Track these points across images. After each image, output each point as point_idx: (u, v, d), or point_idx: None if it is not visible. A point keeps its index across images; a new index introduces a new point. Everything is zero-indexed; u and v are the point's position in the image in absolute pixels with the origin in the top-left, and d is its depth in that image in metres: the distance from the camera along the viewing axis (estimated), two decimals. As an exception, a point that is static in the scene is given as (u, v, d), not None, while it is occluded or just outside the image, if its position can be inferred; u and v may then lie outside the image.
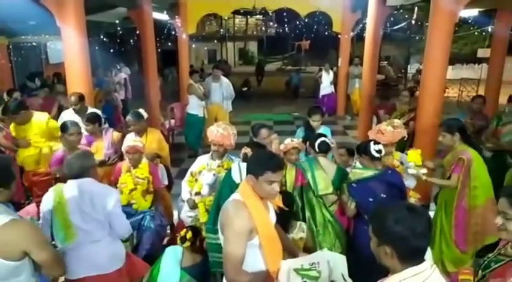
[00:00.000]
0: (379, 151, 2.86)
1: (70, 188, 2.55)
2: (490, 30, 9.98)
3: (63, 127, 3.71)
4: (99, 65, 10.08)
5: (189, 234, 2.77)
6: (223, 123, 3.47)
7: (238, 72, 22.98)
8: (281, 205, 2.26)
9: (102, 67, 9.99)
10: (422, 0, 6.69)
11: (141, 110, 4.36)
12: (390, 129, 3.31)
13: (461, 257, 3.41)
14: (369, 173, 2.85)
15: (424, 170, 3.30)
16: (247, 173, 2.08)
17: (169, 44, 14.47)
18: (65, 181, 2.62)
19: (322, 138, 3.21)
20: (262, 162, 2.03)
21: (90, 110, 4.68)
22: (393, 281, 1.38)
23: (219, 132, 3.31)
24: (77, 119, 4.56)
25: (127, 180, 3.59)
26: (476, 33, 18.49)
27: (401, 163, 3.46)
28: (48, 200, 2.56)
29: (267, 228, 2.06)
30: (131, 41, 13.97)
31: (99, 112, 4.64)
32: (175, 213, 4.39)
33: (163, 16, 10.06)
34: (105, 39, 12.73)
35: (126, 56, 14.73)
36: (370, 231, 1.46)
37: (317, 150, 3.18)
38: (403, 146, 5.02)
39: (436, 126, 4.81)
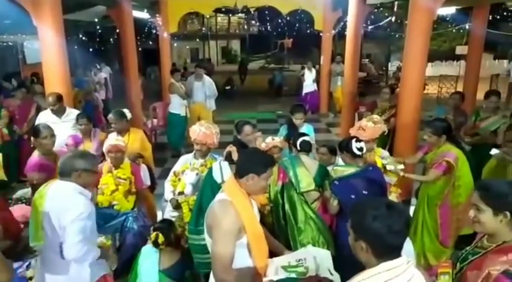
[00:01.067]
0: (360, 149, 2.90)
1: (52, 188, 2.38)
2: (467, 27, 10.19)
3: (35, 131, 3.59)
4: (79, 65, 9.90)
5: (161, 238, 2.72)
6: (205, 122, 3.46)
7: (221, 70, 22.90)
8: (265, 202, 2.28)
9: (82, 67, 9.80)
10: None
11: (126, 110, 4.31)
12: (371, 125, 3.36)
13: (443, 250, 3.49)
14: (350, 170, 2.89)
15: (402, 166, 3.36)
16: (245, 173, 2.06)
17: (151, 42, 14.31)
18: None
19: (304, 137, 3.22)
20: (263, 160, 2.11)
21: (69, 110, 4.58)
22: (367, 275, 1.40)
23: (202, 131, 3.30)
24: (54, 119, 4.48)
25: (108, 181, 3.53)
26: (454, 30, 18.95)
27: (383, 158, 3.51)
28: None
29: (254, 227, 2.08)
30: (111, 39, 13.76)
31: (77, 113, 4.54)
32: (158, 214, 4.35)
33: (143, 14, 9.94)
34: (84, 38, 12.51)
35: (106, 55, 14.54)
36: (349, 226, 1.49)
37: (299, 148, 3.20)
38: (384, 142, 5.11)
39: (416, 123, 4.92)
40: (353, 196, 2.76)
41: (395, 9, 14.66)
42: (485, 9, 8.17)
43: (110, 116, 4.21)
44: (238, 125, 3.86)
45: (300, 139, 3.21)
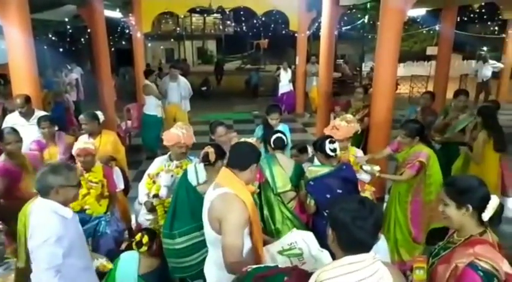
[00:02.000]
0: (334, 150, 2.95)
1: (34, 206, 2.20)
2: (437, 29, 10.51)
3: (0, 136, 3.43)
4: (48, 65, 9.59)
5: (145, 239, 2.68)
6: (182, 124, 3.45)
7: (197, 71, 22.73)
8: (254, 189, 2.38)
9: (52, 67, 9.51)
10: (373, 0, 6.96)
11: (99, 113, 4.20)
12: (344, 125, 3.41)
13: (415, 246, 3.58)
14: (324, 170, 2.93)
15: (378, 168, 3.43)
16: (248, 164, 2.15)
17: (124, 42, 14.05)
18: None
19: (277, 135, 3.23)
20: (256, 151, 2.27)
21: (38, 112, 4.43)
22: (330, 266, 1.44)
23: (185, 134, 3.30)
24: (22, 122, 4.31)
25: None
26: (425, 32, 19.52)
27: (358, 158, 3.56)
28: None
29: (256, 216, 2.22)
30: (82, 39, 13.42)
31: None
32: (132, 217, 4.27)
33: (116, 14, 9.73)
34: (54, 38, 12.14)
35: (77, 55, 14.15)
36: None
37: (272, 146, 3.20)
38: (358, 141, 5.20)
39: (389, 122, 5.03)
40: (328, 195, 2.79)
41: (368, 10, 14.95)
42: (454, 11, 8.46)
43: (81, 117, 4.10)
44: (212, 126, 3.86)
45: (274, 136, 3.22)
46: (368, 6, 13.75)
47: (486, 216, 1.69)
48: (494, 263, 1.60)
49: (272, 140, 3.21)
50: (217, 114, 10.93)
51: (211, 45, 33.25)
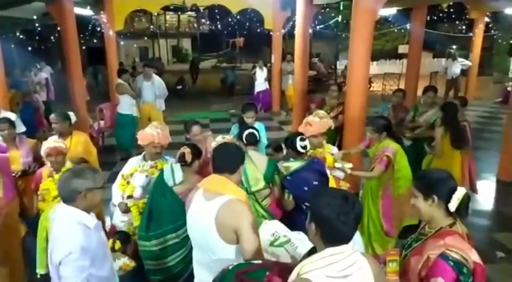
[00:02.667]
0: (304, 147, 3.02)
1: (56, 213, 2.08)
2: (408, 27, 10.78)
3: None
4: (16, 65, 9.25)
5: (118, 245, 2.63)
6: (157, 124, 3.41)
7: (172, 70, 22.45)
8: None
9: (20, 67, 9.18)
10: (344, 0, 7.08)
11: (71, 113, 4.09)
12: (317, 120, 3.45)
13: (388, 240, 3.67)
14: (298, 164, 2.98)
15: (350, 165, 3.50)
16: (237, 167, 2.12)
17: (96, 41, 13.71)
18: None
19: (249, 130, 3.23)
20: (241, 151, 2.24)
21: (4, 113, 4.26)
22: (312, 259, 1.48)
23: (160, 133, 3.26)
24: None
25: (49, 186, 3.29)
26: (396, 30, 19.99)
27: (332, 154, 3.61)
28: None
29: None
30: (52, 38, 13.01)
31: (13, 116, 4.22)
32: (107, 220, 4.18)
33: (86, 11, 9.49)
34: (22, 36, 11.71)
35: (47, 54, 13.70)
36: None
37: (245, 142, 3.20)
38: (333, 138, 5.27)
39: (363, 119, 5.13)
40: (306, 188, 2.84)
41: (341, 10, 15.16)
42: (423, 10, 8.69)
43: (52, 116, 3.97)
44: (187, 125, 3.85)
45: (246, 132, 3.21)
46: (341, 5, 13.95)
47: (452, 206, 1.75)
48: (464, 253, 1.66)
49: (244, 135, 3.19)
50: (193, 113, 10.84)
51: (187, 44, 32.92)
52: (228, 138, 3.46)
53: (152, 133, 3.25)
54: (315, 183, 2.88)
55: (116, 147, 7.40)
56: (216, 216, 2.00)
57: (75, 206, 2.02)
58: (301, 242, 2.20)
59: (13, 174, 3.69)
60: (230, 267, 1.69)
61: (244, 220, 1.97)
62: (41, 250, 2.18)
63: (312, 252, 1.84)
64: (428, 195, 1.78)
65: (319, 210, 1.47)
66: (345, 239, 1.48)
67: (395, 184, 3.64)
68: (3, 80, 4.73)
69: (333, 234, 1.46)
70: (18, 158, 3.83)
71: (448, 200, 1.75)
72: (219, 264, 1.98)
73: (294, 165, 2.99)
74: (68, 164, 3.44)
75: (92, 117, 7.95)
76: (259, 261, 1.77)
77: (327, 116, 3.56)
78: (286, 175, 2.97)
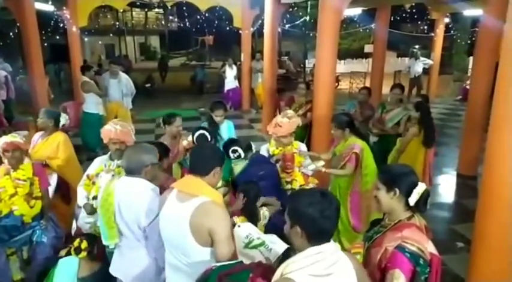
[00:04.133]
0: (234, 151, 3.35)
1: (120, 186, 2.34)
2: (373, 27, 11.07)
3: None
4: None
5: (84, 244, 2.56)
6: (119, 120, 3.34)
7: (140, 68, 21.99)
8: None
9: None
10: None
11: (63, 115, 4.02)
12: (286, 121, 3.48)
13: (356, 235, 3.77)
14: (243, 162, 3.31)
15: (322, 163, 3.57)
16: (210, 168, 2.06)
17: (58, 37, 13.21)
18: None
19: (200, 132, 3.25)
20: (218, 154, 2.21)
21: None
22: (298, 257, 1.50)
23: (118, 129, 3.16)
24: None
25: (6, 184, 3.16)
26: (362, 30, 20.49)
27: (300, 152, 3.66)
28: (99, 194, 2.42)
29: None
30: (11, 34, 12.41)
31: None
32: (73, 222, 4.06)
33: (48, 7, 9.12)
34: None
35: (6, 51, 13.04)
36: (286, 214, 1.58)
37: (196, 143, 3.20)
38: (302, 136, 5.35)
39: (330, 117, 5.23)
40: (254, 179, 2.95)
41: (309, 9, 15.36)
42: (387, 11, 8.97)
43: (41, 110, 4.05)
44: (169, 117, 3.92)
45: (196, 133, 3.27)
46: (309, 5, 14.13)
47: (412, 201, 1.82)
48: (420, 245, 1.74)
49: (195, 137, 3.21)
50: (162, 111, 10.65)
51: (155, 41, 32.33)
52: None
53: (110, 129, 3.17)
54: (261, 173, 3.04)
55: (81, 147, 7.14)
56: (190, 218, 1.97)
57: (141, 178, 2.32)
58: (274, 244, 2.22)
59: None
60: (214, 268, 1.69)
61: (220, 223, 1.95)
62: (110, 224, 2.34)
63: (286, 254, 1.88)
64: (390, 188, 1.85)
65: (303, 210, 1.49)
66: (329, 235, 1.52)
67: (363, 180, 3.73)
68: None
69: (318, 232, 1.49)
70: None
71: (408, 194, 1.83)
72: (192, 267, 1.98)
73: (241, 164, 3.22)
74: (27, 161, 3.30)
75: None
76: (243, 263, 1.78)
77: (295, 115, 3.59)
78: (237, 176, 3.14)
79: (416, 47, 23.45)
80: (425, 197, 1.84)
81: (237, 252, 2.15)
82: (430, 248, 1.77)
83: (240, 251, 2.20)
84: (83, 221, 3.20)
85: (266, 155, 3.67)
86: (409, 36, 20.51)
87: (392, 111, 4.96)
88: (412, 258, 1.70)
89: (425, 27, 20.04)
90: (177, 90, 15.68)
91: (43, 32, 7.82)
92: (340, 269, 1.49)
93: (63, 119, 4.02)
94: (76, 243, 2.57)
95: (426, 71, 12.38)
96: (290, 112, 3.64)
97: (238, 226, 2.41)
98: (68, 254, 3.26)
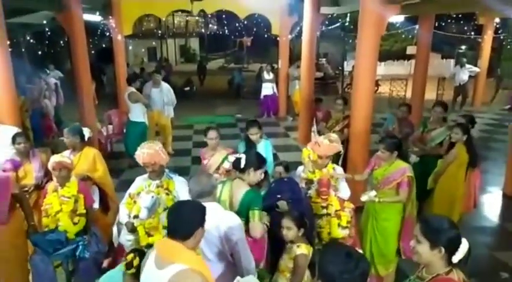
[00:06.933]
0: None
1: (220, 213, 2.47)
2: (417, 27, 10.66)
3: None
4: (24, 71, 9.32)
5: (137, 261, 2.63)
6: (145, 143, 3.40)
7: (179, 70, 22.56)
8: None
9: (29, 72, 9.25)
10: (352, 11, 7.05)
11: (85, 129, 4.17)
12: (326, 142, 3.45)
13: (390, 260, 3.66)
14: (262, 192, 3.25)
15: (374, 193, 3.51)
16: (188, 234, 1.93)
17: (104, 45, 13.80)
18: None
19: (235, 156, 3.18)
20: (199, 210, 2.05)
21: (2, 127, 4.25)
22: None
23: (145, 153, 3.24)
24: None
25: (52, 200, 3.36)
26: (405, 31, 19.82)
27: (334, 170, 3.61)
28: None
29: None
30: (61, 41, 13.12)
31: (15, 130, 4.21)
32: (114, 230, 4.24)
33: (95, 17, 9.58)
34: (32, 41, 11.83)
35: (56, 57, 13.81)
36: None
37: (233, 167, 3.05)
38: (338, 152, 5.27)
39: (367, 132, 5.14)
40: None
41: (348, 15, 15.04)
42: (431, 16, 8.61)
43: (64, 130, 4.09)
44: (206, 129, 4.11)
45: (232, 157, 3.10)
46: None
47: (456, 259, 1.76)
48: None
49: (233, 161, 3.01)
50: (199, 117, 10.91)
51: (194, 43, 33.02)
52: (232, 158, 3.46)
53: (139, 154, 3.26)
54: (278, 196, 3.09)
55: (124, 154, 7.46)
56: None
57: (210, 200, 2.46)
58: None
59: (26, 189, 3.77)
60: None
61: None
62: None
63: None
64: (435, 246, 1.77)
65: (323, 266, 1.52)
66: None
67: (412, 204, 3.62)
68: (14, 90, 4.70)
69: None
70: (32, 172, 3.89)
71: (453, 251, 1.76)
72: None
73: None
74: (73, 179, 3.51)
75: (99, 120, 7.98)
76: None
77: (337, 141, 3.50)
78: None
79: (462, 48, 22.45)
80: (467, 253, 1.78)
81: None
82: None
83: None
84: (124, 238, 3.34)
85: (300, 176, 3.66)
86: (455, 37, 19.60)
87: (434, 131, 4.76)
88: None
89: (472, 28, 19.10)
90: (214, 94, 15.92)
91: (90, 40, 8.17)
92: None
93: (87, 133, 4.17)
94: (129, 257, 2.59)
95: (472, 77, 11.78)
96: (334, 136, 3.58)
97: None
98: (110, 266, 3.45)
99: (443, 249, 1.76)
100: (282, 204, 3.07)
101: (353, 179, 3.74)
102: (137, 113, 7.03)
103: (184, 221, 1.92)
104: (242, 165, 2.86)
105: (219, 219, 2.40)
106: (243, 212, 2.71)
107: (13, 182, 3.35)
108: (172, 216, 1.96)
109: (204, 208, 2.03)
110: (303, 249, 2.65)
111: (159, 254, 1.92)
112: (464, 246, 1.76)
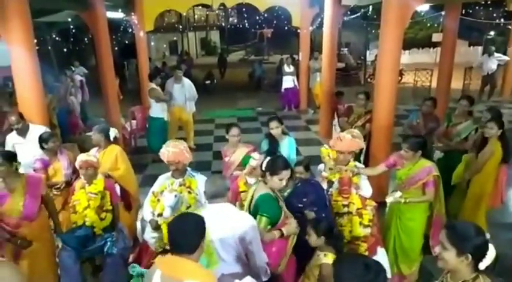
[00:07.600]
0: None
1: (212, 214, 2.39)
2: (443, 14, 10.25)
3: None
4: (50, 69, 9.57)
5: None
6: (171, 141, 3.45)
7: (200, 64, 22.68)
8: None
9: (55, 70, 9.51)
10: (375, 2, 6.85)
11: (113, 130, 4.28)
12: (348, 137, 3.43)
13: (413, 259, 3.62)
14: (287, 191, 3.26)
15: (399, 193, 3.46)
16: (193, 248, 1.89)
17: (127, 41, 14.01)
18: None
19: (262, 155, 3.17)
20: (200, 223, 2.00)
21: (32, 127, 4.35)
22: None
23: (170, 151, 3.29)
24: (20, 140, 4.29)
25: (80, 197, 3.49)
26: (430, 18, 19.19)
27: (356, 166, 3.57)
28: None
29: None
30: (86, 38, 13.40)
31: (43, 129, 4.35)
32: (138, 224, 4.36)
33: (118, 14, 9.73)
34: (57, 38, 12.14)
35: (81, 54, 14.13)
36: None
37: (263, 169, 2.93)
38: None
39: (390, 127, 5.04)
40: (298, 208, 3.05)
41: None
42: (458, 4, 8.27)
43: (94, 127, 4.26)
44: (227, 126, 4.16)
45: (266, 160, 2.95)
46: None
47: (483, 266, 1.73)
48: None
49: (264, 164, 2.90)
50: (221, 111, 10.96)
51: (215, 36, 33.06)
52: (257, 157, 3.46)
53: (163, 152, 3.32)
54: (300, 205, 3.09)
55: (147, 149, 7.62)
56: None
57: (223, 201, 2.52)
58: None
59: (57, 186, 3.93)
60: None
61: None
62: (209, 250, 2.40)
63: None
64: (461, 253, 1.74)
65: (341, 277, 1.52)
66: None
67: (440, 203, 3.57)
68: (42, 89, 4.78)
69: None
70: (61, 170, 4.03)
71: (480, 258, 1.73)
72: None
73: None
74: (100, 177, 3.62)
75: (123, 116, 8.15)
76: None
77: (360, 137, 3.48)
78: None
79: (491, 34, 21.54)
80: (495, 260, 1.73)
81: None
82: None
83: None
84: (149, 235, 3.42)
85: (321, 173, 3.65)
86: (483, 24, 18.81)
87: (460, 125, 4.62)
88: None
89: (501, 14, 18.30)
90: (235, 87, 15.93)
91: (113, 36, 8.31)
92: None
93: (113, 133, 4.26)
94: None
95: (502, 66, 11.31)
96: (356, 132, 3.55)
97: None
98: (135, 261, 3.55)
99: (470, 257, 1.72)
100: (309, 214, 3.05)
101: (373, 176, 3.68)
102: (156, 109, 7.16)
103: (189, 235, 1.87)
104: (263, 168, 2.89)
105: (233, 220, 2.44)
106: (254, 216, 2.70)
107: (44, 182, 3.46)
108: (175, 231, 1.90)
109: (202, 219, 1.98)
110: (329, 259, 2.62)
111: (166, 272, 1.82)
112: (491, 252, 1.72)
